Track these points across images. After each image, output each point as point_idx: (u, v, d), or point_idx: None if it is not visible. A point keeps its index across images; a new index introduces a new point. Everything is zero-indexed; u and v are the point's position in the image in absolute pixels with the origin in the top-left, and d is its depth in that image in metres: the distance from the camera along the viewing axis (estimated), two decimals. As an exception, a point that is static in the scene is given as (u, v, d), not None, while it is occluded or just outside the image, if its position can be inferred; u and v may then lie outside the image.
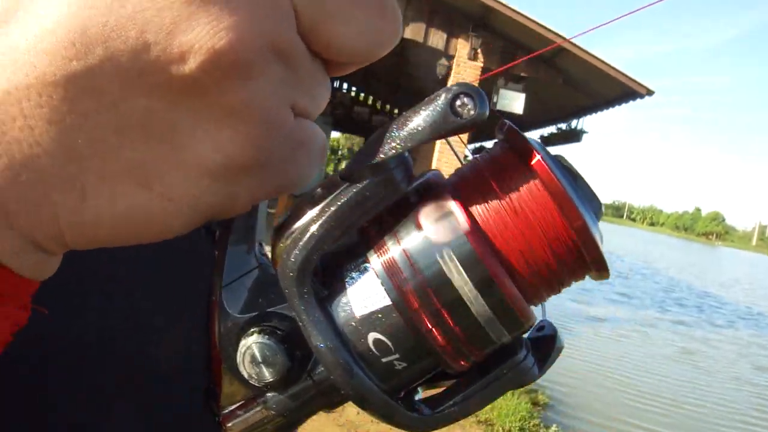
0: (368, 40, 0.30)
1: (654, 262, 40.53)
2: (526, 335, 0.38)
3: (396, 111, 25.60)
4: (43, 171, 0.25)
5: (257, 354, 0.35)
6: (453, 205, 0.34)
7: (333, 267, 0.36)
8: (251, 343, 0.35)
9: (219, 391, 0.38)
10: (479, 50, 10.85)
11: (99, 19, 0.24)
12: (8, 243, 0.26)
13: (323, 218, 0.33)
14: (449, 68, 10.92)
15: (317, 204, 0.34)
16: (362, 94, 24.48)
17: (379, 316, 0.34)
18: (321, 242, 0.33)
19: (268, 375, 0.35)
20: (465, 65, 10.87)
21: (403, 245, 0.34)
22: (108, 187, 0.26)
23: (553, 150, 0.38)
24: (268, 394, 0.37)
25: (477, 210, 0.35)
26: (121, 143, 0.26)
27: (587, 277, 0.38)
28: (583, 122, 14.33)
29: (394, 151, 0.32)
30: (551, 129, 16.41)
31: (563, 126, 15.51)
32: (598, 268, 0.36)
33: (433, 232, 0.34)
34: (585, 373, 9.21)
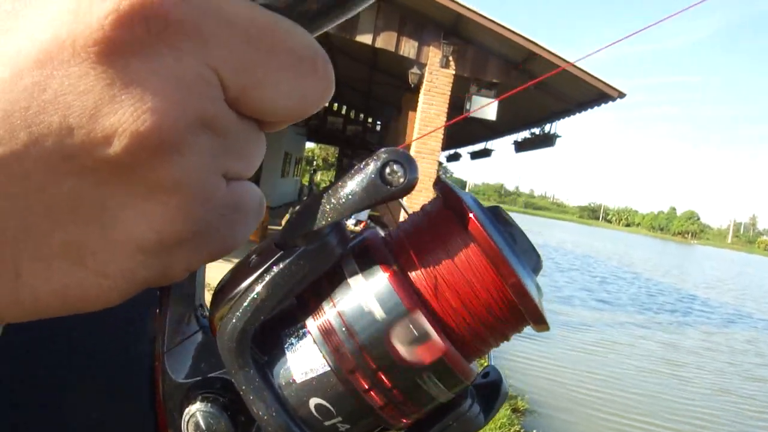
0: (300, 100, 0.30)
1: (635, 265, 40.64)
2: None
3: (369, 120, 25.62)
4: None
5: (201, 422, 0.35)
6: (387, 267, 0.35)
7: (272, 331, 0.36)
8: (195, 411, 0.35)
9: None
10: (451, 58, 10.91)
11: (21, 104, 0.24)
12: None
13: (258, 288, 0.33)
14: (422, 76, 10.96)
15: (253, 272, 0.34)
16: (336, 104, 24.48)
17: (319, 381, 0.34)
18: (258, 312, 0.33)
19: None
20: (437, 73, 10.93)
21: (339, 308, 0.34)
22: (42, 267, 0.26)
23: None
24: None
25: (412, 270, 0.35)
26: (52, 225, 0.26)
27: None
28: (557, 126, 14.47)
29: (325, 222, 0.32)
30: (525, 134, 16.51)
31: (536, 130, 15.61)
32: (535, 321, 0.37)
33: (366, 294, 0.34)
34: (566, 381, 9.24)
